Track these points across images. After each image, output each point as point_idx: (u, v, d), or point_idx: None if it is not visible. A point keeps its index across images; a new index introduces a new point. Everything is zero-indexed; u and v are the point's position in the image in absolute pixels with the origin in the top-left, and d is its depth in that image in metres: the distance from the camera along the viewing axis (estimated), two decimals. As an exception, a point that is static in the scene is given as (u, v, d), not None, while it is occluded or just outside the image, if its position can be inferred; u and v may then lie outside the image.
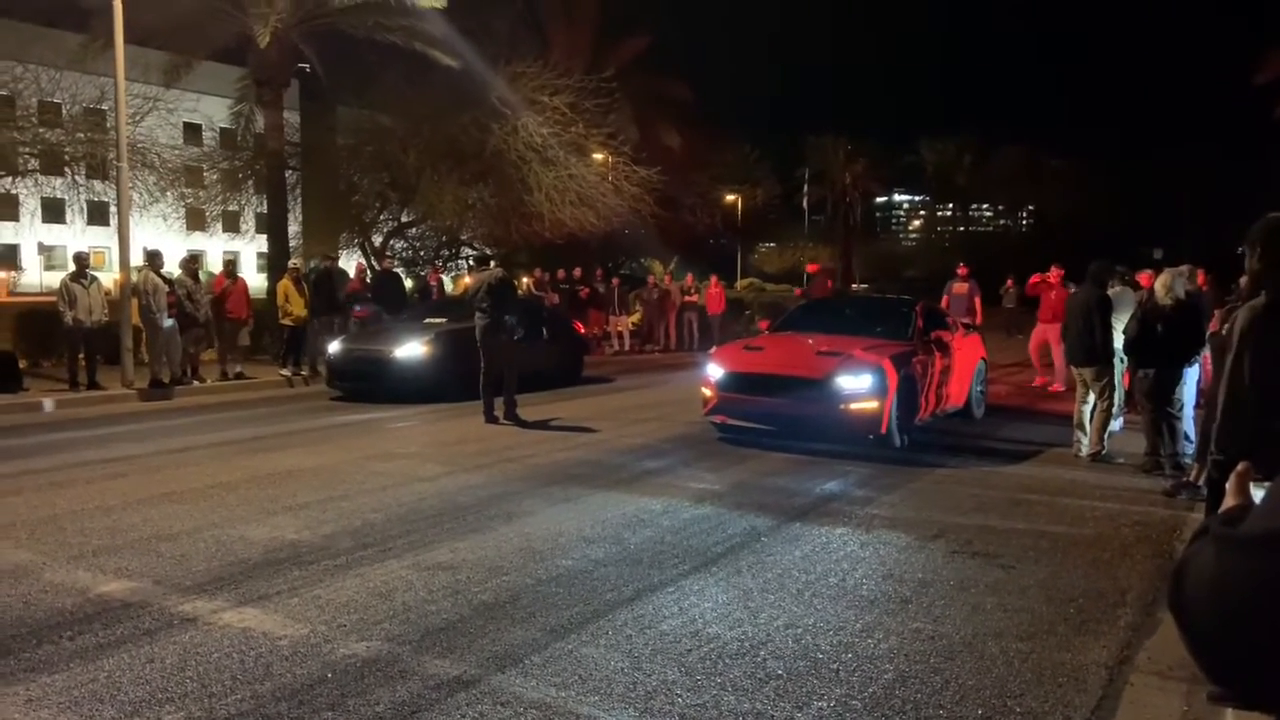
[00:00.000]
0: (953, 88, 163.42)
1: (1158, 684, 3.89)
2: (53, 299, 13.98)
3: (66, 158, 18.79)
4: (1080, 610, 4.95)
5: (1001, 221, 78.89)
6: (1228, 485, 1.31)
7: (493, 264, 11.61)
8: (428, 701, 3.72)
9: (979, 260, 24.98)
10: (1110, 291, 9.46)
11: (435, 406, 12.10)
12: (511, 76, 21.73)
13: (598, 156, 23.98)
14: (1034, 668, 4.18)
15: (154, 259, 13.51)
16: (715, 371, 9.84)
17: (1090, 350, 9.06)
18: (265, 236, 21.24)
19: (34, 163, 18.56)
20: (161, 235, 23.26)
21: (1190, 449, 8.64)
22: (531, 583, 5.19)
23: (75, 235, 25.19)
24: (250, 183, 24.17)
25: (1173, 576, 1.03)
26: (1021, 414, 12.36)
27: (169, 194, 21.63)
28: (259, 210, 24.98)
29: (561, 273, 22.87)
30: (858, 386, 9.08)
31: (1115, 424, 9.76)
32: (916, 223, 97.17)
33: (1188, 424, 8.72)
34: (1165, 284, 8.24)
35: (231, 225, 29.01)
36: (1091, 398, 9.24)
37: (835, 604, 4.93)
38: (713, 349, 12.07)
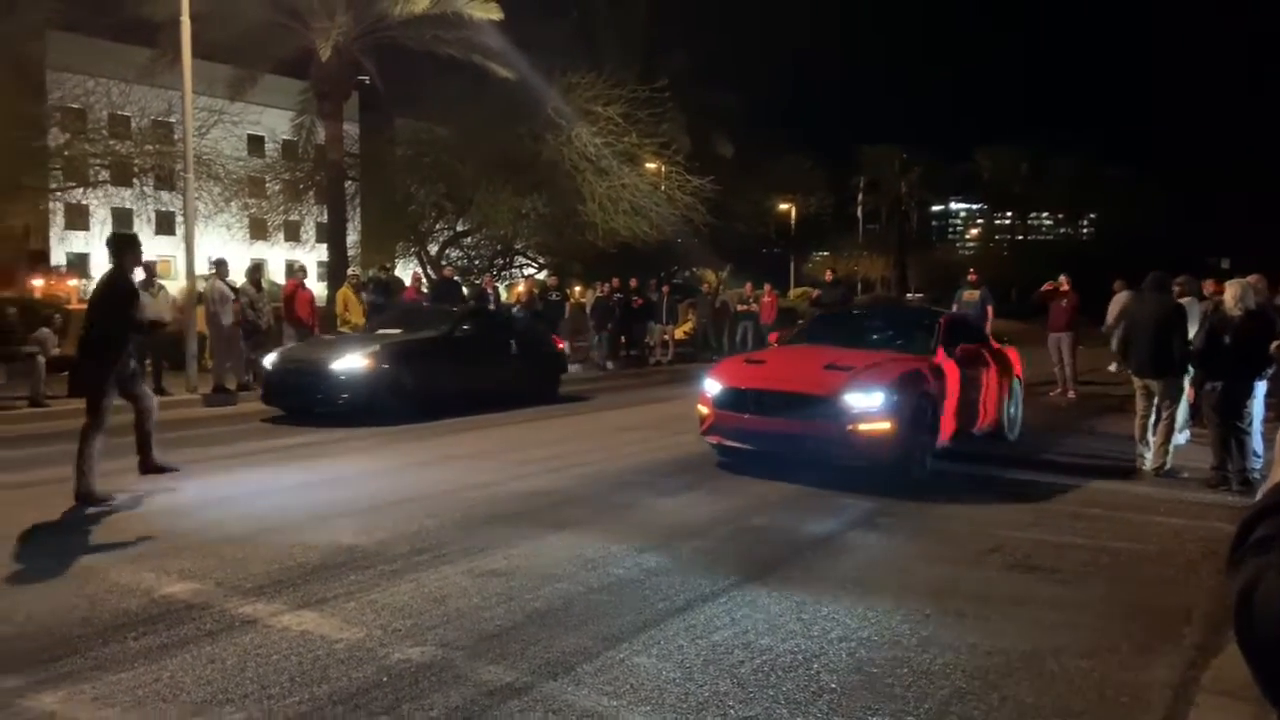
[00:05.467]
0: (1009, 96, 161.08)
1: (1224, 705, 3.78)
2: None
3: (135, 169, 19.39)
4: (1144, 628, 4.83)
5: (1061, 230, 77.50)
6: (1276, 454, 1.25)
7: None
8: (481, 707, 3.75)
9: (1037, 270, 24.56)
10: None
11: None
12: (566, 87, 21.95)
13: (650, 166, 24.08)
14: (1095, 686, 4.08)
15: (220, 267, 13.85)
16: (712, 387, 8.82)
17: (1165, 362, 8.73)
18: (325, 245, 21.67)
19: (104, 174, 19.17)
20: (225, 244, 23.78)
21: (1259, 464, 8.39)
22: (583, 590, 5.21)
23: (143, 244, 25.91)
24: (311, 193, 24.72)
25: (1237, 605, 0.97)
26: (1068, 431, 11.96)
27: (233, 204, 22.24)
28: (319, 220, 25.54)
29: (616, 282, 22.93)
30: (869, 405, 8.01)
31: (1180, 437, 9.50)
32: (974, 231, 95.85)
33: (1256, 439, 8.47)
34: (1235, 294, 8.03)
35: (293, 235, 29.67)
36: (1154, 410, 9.00)
37: (889, 617, 4.87)
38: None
